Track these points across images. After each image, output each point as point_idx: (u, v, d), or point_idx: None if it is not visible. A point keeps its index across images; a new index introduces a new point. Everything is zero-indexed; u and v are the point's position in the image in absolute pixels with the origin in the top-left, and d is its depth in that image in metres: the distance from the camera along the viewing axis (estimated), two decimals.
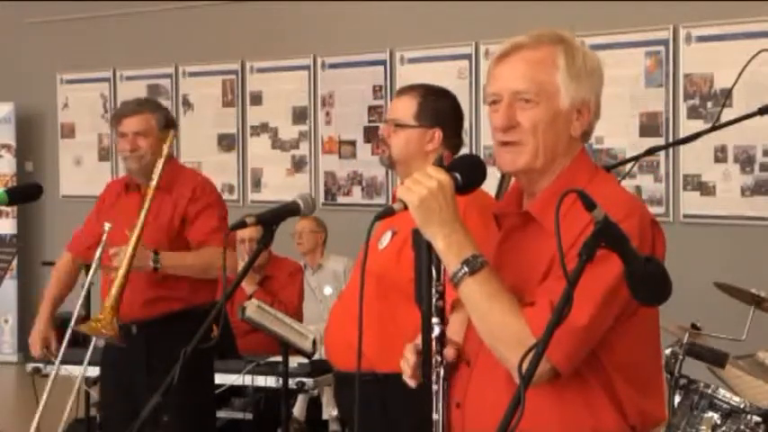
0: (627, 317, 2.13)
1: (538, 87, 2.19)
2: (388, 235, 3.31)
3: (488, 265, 2.13)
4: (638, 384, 2.18)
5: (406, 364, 2.29)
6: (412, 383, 2.28)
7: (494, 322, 2.12)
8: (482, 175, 2.26)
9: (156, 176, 4.31)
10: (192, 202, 4.42)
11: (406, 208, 2.16)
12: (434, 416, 2.23)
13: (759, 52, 3.82)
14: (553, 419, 2.10)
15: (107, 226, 4.35)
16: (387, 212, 2.18)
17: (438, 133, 3.37)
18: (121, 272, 4.20)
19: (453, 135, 3.42)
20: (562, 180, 2.20)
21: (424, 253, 2.21)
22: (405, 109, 3.40)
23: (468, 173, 2.22)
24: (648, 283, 1.90)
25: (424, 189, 2.14)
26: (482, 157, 2.33)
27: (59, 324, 5.72)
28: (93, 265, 4.39)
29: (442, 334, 2.24)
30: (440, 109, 3.41)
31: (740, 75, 3.75)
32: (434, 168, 2.18)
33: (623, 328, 2.13)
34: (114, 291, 4.18)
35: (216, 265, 4.29)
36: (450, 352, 2.23)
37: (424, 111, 3.38)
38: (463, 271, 2.11)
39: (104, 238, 4.35)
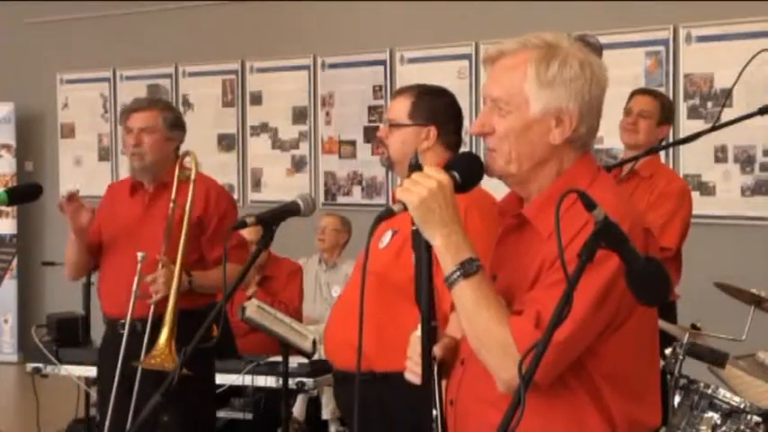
0: (616, 327, 2.12)
1: (508, 96, 2.20)
2: (389, 234, 3.32)
3: (483, 270, 2.14)
4: (629, 393, 2.17)
5: (412, 361, 2.30)
6: (417, 380, 2.29)
7: (480, 328, 2.13)
8: (480, 173, 2.26)
9: (189, 201, 4.25)
10: (206, 208, 4.36)
11: (405, 209, 2.16)
12: (434, 412, 2.24)
13: (759, 52, 3.82)
14: (537, 426, 2.10)
15: (140, 255, 4.21)
16: (386, 214, 2.18)
17: (432, 131, 3.37)
18: (171, 303, 4.13)
19: (450, 132, 3.42)
20: (559, 185, 2.19)
21: (424, 253, 2.22)
22: (400, 109, 3.42)
23: (466, 171, 2.22)
24: (649, 282, 1.90)
25: (423, 189, 2.14)
26: (481, 157, 2.32)
27: (57, 325, 5.75)
28: (132, 297, 4.22)
29: (433, 331, 2.25)
30: (433, 107, 3.41)
31: (740, 75, 3.75)
32: (434, 168, 2.19)
33: (613, 338, 2.12)
34: (168, 323, 4.09)
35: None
36: (437, 350, 2.24)
37: (418, 109, 3.39)
38: (457, 274, 2.12)
39: (139, 267, 4.21)
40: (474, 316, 2.13)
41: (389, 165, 3.48)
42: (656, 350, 2.28)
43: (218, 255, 4.35)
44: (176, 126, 4.44)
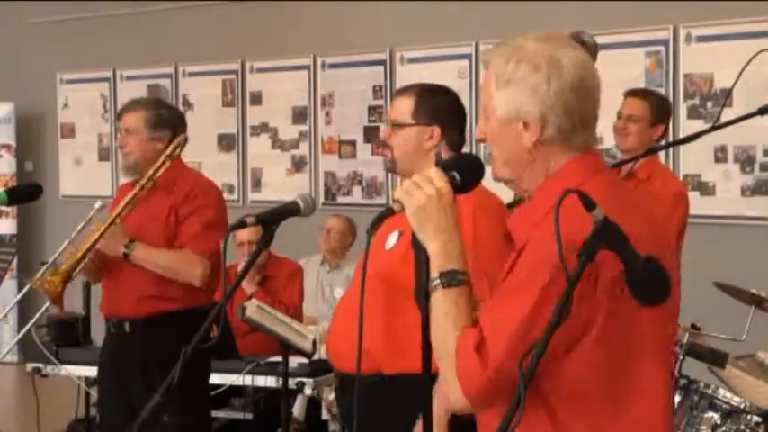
0: (572, 345, 2.02)
1: (486, 100, 2.20)
2: (395, 235, 3.27)
3: (464, 286, 2.12)
4: (596, 413, 2.07)
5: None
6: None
7: (440, 337, 2.13)
8: (481, 173, 2.26)
9: (150, 171, 4.33)
10: (184, 203, 4.37)
11: (404, 209, 2.17)
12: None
13: (759, 52, 3.81)
14: None
15: (97, 204, 4.47)
16: (386, 213, 2.20)
17: (436, 130, 3.32)
18: (89, 241, 4.25)
19: (453, 132, 3.38)
20: (541, 193, 2.15)
21: (423, 253, 2.22)
22: (402, 109, 3.36)
23: (466, 171, 2.22)
24: (648, 282, 1.90)
25: (423, 196, 2.14)
26: (482, 158, 2.31)
27: (57, 325, 5.75)
28: (66, 241, 4.44)
29: None
30: (437, 106, 3.35)
31: (740, 75, 3.75)
32: (436, 172, 2.18)
33: (570, 357, 2.03)
34: (75, 256, 4.25)
35: (186, 271, 4.28)
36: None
37: (421, 108, 3.33)
38: (438, 282, 2.13)
39: (91, 214, 4.45)
40: (441, 326, 2.13)
41: (392, 166, 3.40)
42: (639, 361, 2.10)
43: (181, 240, 4.37)
44: (161, 125, 4.41)
